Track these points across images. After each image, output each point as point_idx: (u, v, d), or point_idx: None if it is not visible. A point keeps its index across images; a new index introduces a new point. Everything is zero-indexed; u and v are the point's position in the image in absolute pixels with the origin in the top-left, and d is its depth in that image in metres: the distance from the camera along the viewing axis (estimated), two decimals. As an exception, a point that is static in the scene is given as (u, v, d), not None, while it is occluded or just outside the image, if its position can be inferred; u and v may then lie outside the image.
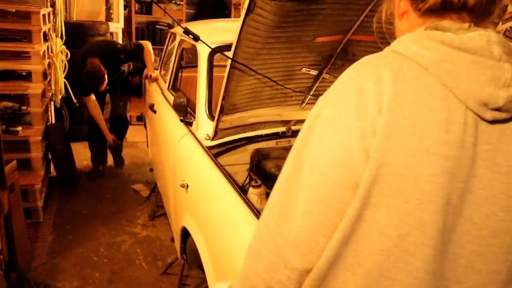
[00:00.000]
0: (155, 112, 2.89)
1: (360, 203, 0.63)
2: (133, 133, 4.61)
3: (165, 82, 2.91)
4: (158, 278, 2.57)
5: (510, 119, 0.64)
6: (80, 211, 3.27)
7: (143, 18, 6.31)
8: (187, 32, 2.25)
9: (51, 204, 3.32)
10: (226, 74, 1.68)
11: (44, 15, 3.22)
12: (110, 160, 4.05)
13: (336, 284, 0.67)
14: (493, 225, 0.65)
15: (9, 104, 3.01)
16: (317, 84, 2.18)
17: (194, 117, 2.12)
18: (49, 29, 3.52)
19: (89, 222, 3.13)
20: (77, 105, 4.09)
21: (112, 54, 3.53)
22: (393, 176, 0.61)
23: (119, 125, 4.04)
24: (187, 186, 1.86)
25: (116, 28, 5.23)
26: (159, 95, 2.96)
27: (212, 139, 1.91)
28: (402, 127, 0.61)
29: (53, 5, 3.66)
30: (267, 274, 0.70)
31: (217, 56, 2.18)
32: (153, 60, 3.60)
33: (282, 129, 2.23)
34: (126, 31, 5.85)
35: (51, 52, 3.63)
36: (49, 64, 3.59)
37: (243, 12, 1.47)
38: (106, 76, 3.43)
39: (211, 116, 2.02)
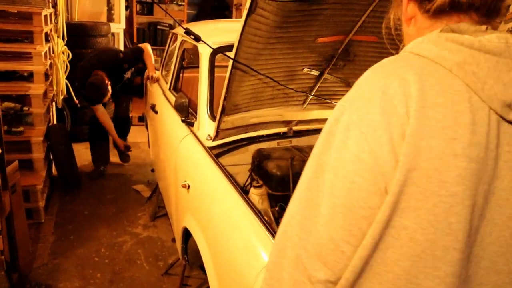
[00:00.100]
0: (156, 112, 2.89)
1: (389, 209, 0.61)
2: (135, 134, 4.61)
3: (167, 83, 2.91)
4: (159, 278, 2.57)
5: None
6: (81, 211, 3.27)
7: (144, 19, 6.33)
8: (188, 32, 2.24)
9: (53, 204, 3.32)
10: (227, 75, 1.68)
11: (45, 16, 3.23)
12: (111, 160, 4.06)
13: None
14: None
15: (11, 104, 3.02)
16: (318, 85, 2.18)
17: (196, 118, 2.12)
18: (50, 30, 3.53)
19: (90, 222, 3.13)
20: (79, 105, 4.11)
21: (115, 64, 3.60)
22: (422, 180, 0.60)
23: (122, 125, 4.08)
24: (189, 186, 1.86)
25: (118, 28, 5.23)
26: (160, 95, 2.97)
27: (214, 140, 1.91)
28: (432, 130, 0.60)
29: (54, 6, 3.67)
30: None
31: (219, 56, 2.18)
32: (153, 61, 3.61)
33: (283, 129, 2.22)
34: (128, 31, 5.86)
35: (53, 53, 3.63)
36: (50, 65, 3.60)
37: (244, 13, 1.47)
38: (109, 87, 3.49)
39: (212, 116, 2.02)
